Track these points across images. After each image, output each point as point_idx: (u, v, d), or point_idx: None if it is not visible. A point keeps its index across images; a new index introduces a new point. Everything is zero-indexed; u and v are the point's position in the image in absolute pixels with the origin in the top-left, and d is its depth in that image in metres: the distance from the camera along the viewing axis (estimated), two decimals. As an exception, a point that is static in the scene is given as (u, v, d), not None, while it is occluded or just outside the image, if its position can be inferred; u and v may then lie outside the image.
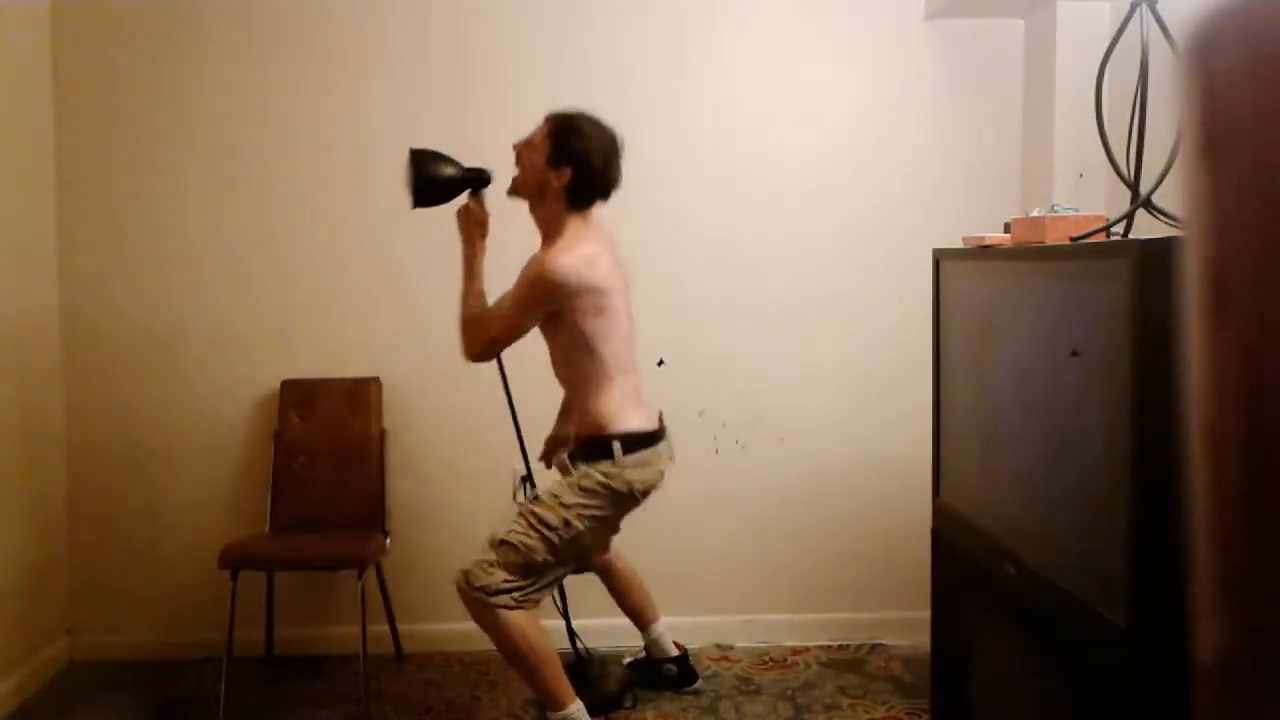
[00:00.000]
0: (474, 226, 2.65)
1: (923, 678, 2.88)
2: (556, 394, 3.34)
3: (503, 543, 2.51)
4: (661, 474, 2.64)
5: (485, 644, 3.34)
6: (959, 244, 2.41)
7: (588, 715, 2.61)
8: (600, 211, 2.63)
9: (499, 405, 3.37)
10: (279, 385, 3.28)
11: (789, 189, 3.33)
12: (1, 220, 2.99)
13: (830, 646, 3.36)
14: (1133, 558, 1.62)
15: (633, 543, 3.29)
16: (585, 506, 2.53)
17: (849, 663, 3.27)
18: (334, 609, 3.33)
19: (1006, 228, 2.26)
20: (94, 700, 3.05)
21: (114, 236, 3.28)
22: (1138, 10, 1.96)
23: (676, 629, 3.15)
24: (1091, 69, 2.13)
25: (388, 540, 3.17)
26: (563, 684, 2.59)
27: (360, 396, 3.27)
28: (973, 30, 3.32)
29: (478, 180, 2.67)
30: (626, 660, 3.15)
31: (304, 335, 3.31)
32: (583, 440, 2.62)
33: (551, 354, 2.68)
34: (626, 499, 2.57)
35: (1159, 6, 1.95)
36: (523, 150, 2.60)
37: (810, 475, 3.33)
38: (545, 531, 2.51)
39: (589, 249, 2.54)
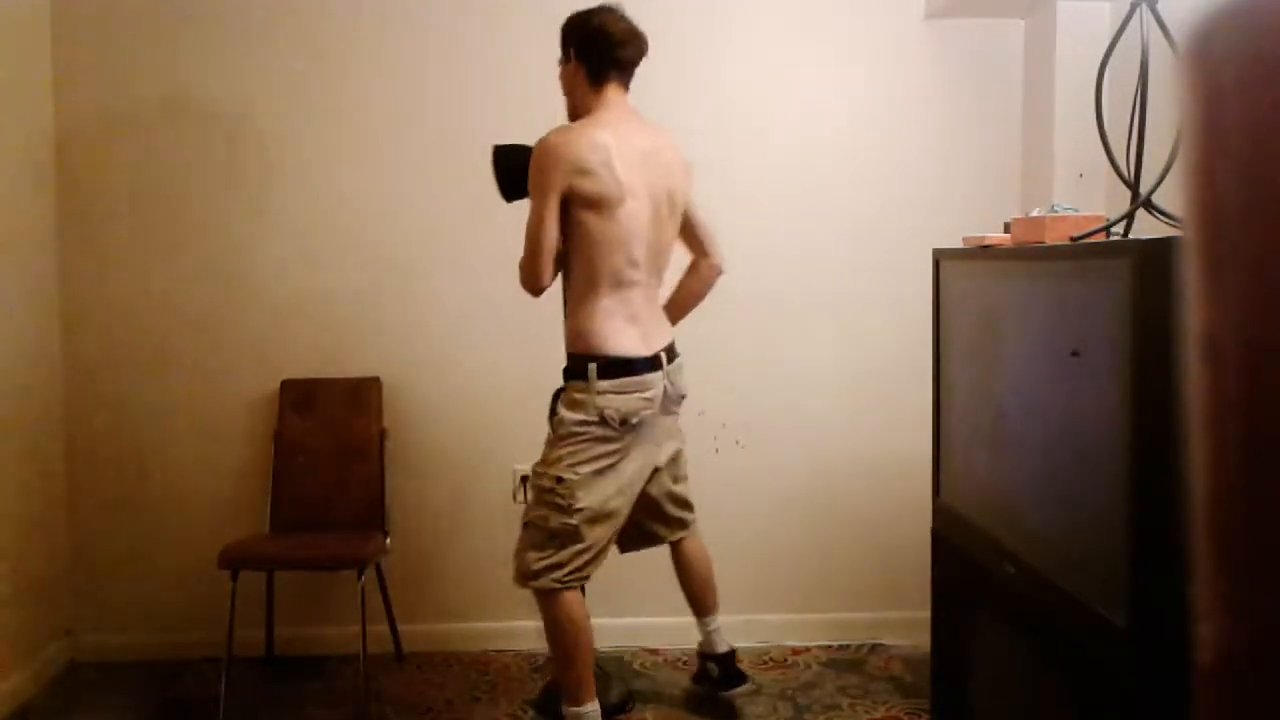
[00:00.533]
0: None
1: (923, 678, 2.88)
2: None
3: (524, 526, 2.54)
4: (648, 402, 2.46)
5: (485, 644, 3.37)
6: (959, 244, 2.41)
7: (598, 712, 2.57)
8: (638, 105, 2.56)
9: (499, 405, 3.37)
10: (279, 385, 3.28)
11: (789, 189, 3.33)
12: (1, 220, 2.99)
13: (830, 646, 3.36)
14: (1133, 558, 1.62)
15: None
16: (570, 454, 2.45)
17: (849, 663, 3.27)
18: (334, 609, 3.33)
19: (1006, 228, 2.26)
20: (94, 700, 3.05)
21: (114, 236, 3.28)
22: (1138, 10, 1.96)
23: (677, 629, 3.16)
24: (1091, 69, 2.13)
25: (388, 540, 3.17)
26: (588, 681, 2.55)
27: (360, 396, 3.27)
28: (973, 30, 3.32)
29: None
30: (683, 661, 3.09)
31: (304, 335, 3.31)
32: (568, 358, 2.52)
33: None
34: (614, 431, 2.43)
35: (1159, 6, 1.95)
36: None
37: (810, 475, 3.33)
38: (545, 497, 2.47)
39: (600, 135, 2.41)
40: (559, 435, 2.47)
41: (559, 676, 2.63)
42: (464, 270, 3.33)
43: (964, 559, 2.35)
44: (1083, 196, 2.82)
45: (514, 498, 3.37)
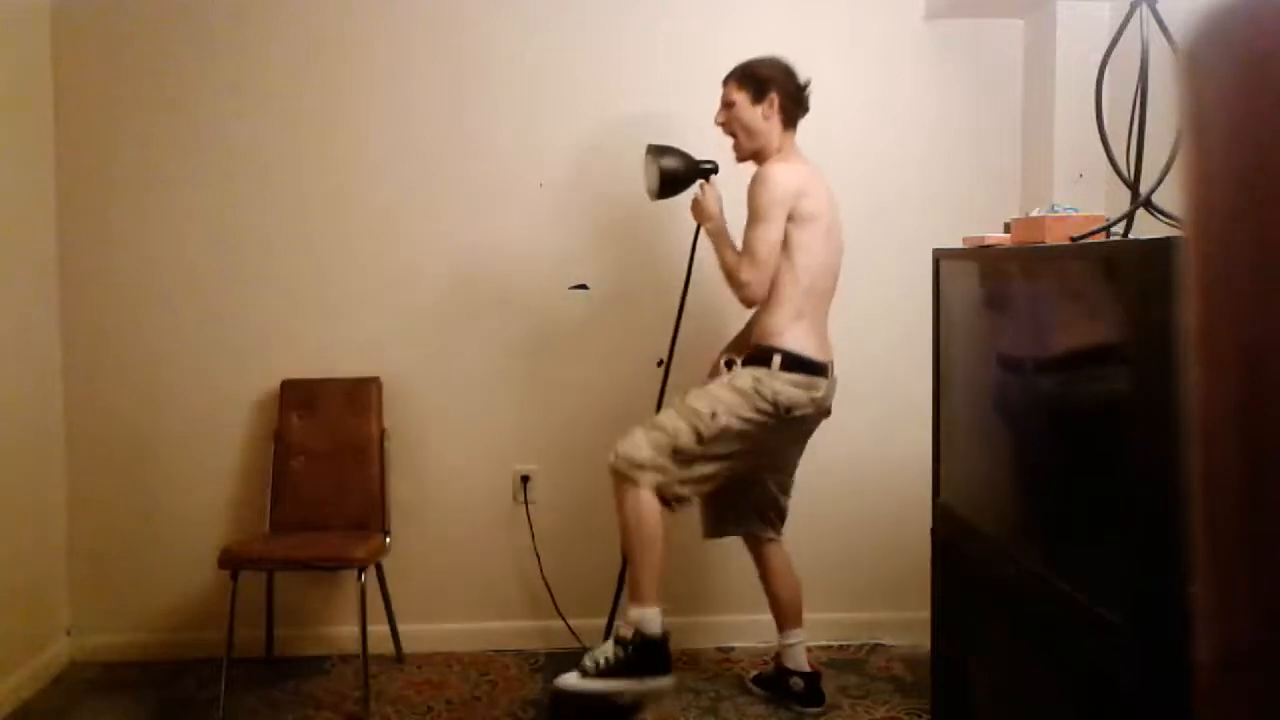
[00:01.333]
0: (708, 209, 2.86)
1: (923, 678, 2.88)
2: (566, 391, 3.35)
3: (653, 426, 2.69)
4: (813, 402, 2.73)
5: (485, 644, 3.37)
6: (959, 244, 2.41)
7: (660, 621, 2.70)
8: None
9: (499, 405, 3.37)
10: (279, 385, 3.28)
11: (789, 189, 3.32)
12: (2, 221, 2.99)
13: (830, 646, 3.36)
14: (1133, 558, 1.62)
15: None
16: (734, 404, 2.68)
17: (849, 663, 3.27)
18: (334, 609, 3.33)
19: (1006, 228, 2.26)
20: (94, 700, 3.05)
21: (114, 237, 3.27)
22: (1138, 10, 1.96)
23: (677, 629, 3.15)
24: (1091, 69, 2.13)
25: (388, 540, 3.17)
26: (654, 583, 2.70)
27: (360, 396, 3.27)
28: (973, 30, 3.32)
29: (710, 170, 2.90)
30: (752, 674, 3.12)
31: (304, 335, 3.31)
32: (752, 348, 2.77)
33: None
34: (773, 413, 2.69)
35: (1159, 6, 1.95)
36: (727, 116, 2.81)
37: (810, 475, 3.32)
38: (691, 417, 2.67)
39: (803, 168, 2.76)
40: (734, 385, 2.70)
41: (633, 578, 2.75)
42: (464, 270, 3.33)
43: (964, 559, 2.35)
44: (1083, 196, 2.82)
45: (514, 498, 3.37)
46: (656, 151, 2.88)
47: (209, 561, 2.98)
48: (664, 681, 2.74)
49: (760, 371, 2.71)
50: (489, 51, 3.29)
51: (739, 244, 2.77)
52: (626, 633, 2.69)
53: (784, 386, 2.70)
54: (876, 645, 3.38)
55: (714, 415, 2.67)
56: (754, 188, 2.72)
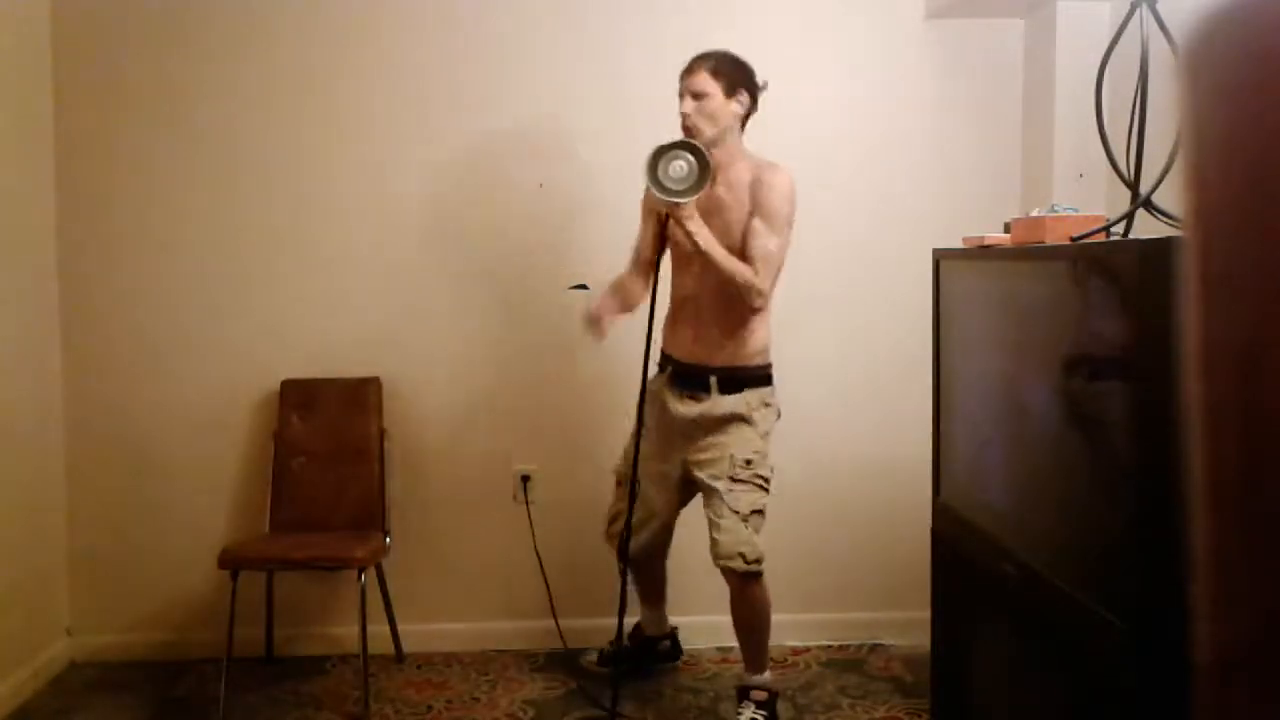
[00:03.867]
0: (696, 217, 2.63)
1: (923, 678, 2.88)
2: (566, 391, 3.35)
3: (753, 513, 2.69)
4: None
5: (485, 644, 3.37)
6: (959, 244, 2.41)
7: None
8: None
9: (499, 405, 3.37)
10: (279, 385, 3.28)
11: (789, 189, 3.32)
12: (1, 220, 2.99)
13: (830, 646, 3.36)
14: (1133, 558, 1.62)
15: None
16: (766, 445, 2.76)
17: (849, 663, 3.27)
18: (334, 609, 3.33)
19: (1006, 228, 2.26)
20: (94, 700, 3.05)
21: (114, 236, 3.27)
22: (1138, 10, 1.96)
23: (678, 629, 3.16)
24: (1091, 69, 2.13)
25: (388, 540, 3.17)
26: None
27: (360, 396, 3.26)
28: (973, 30, 3.32)
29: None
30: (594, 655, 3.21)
31: (304, 335, 3.31)
32: (742, 369, 2.75)
33: (706, 284, 2.75)
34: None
35: (1159, 6, 1.95)
36: (691, 109, 2.71)
37: (810, 475, 3.33)
38: (766, 485, 2.73)
39: None
40: (763, 432, 2.75)
41: (760, 650, 2.82)
42: (464, 270, 3.33)
43: (964, 559, 2.35)
44: (1083, 196, 2.81)
45: (514, 497, 3.37)
46: (684, 148, 2.60)
47: (209, 561, 2.98)
48: None
49: (768, 396, 2.78)
50: (491, 53, 3.29)
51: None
52: (761, 695, 2.80)
53: (775, 400, 2.82)
54: (876, 645, 3.38)
55: (772, 470, 2.75)
56: (773, 196, 2.67)
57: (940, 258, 2.49)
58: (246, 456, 3.32)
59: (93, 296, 3.28)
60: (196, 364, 3.30)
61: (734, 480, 2.68)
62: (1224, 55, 0.44)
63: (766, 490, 2.73)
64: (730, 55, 2.74)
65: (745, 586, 2.71)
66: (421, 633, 3.31)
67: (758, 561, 2.68)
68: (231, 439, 3.32)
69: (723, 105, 2.70)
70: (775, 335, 3.33)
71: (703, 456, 2.75)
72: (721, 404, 2.73)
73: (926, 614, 2.56)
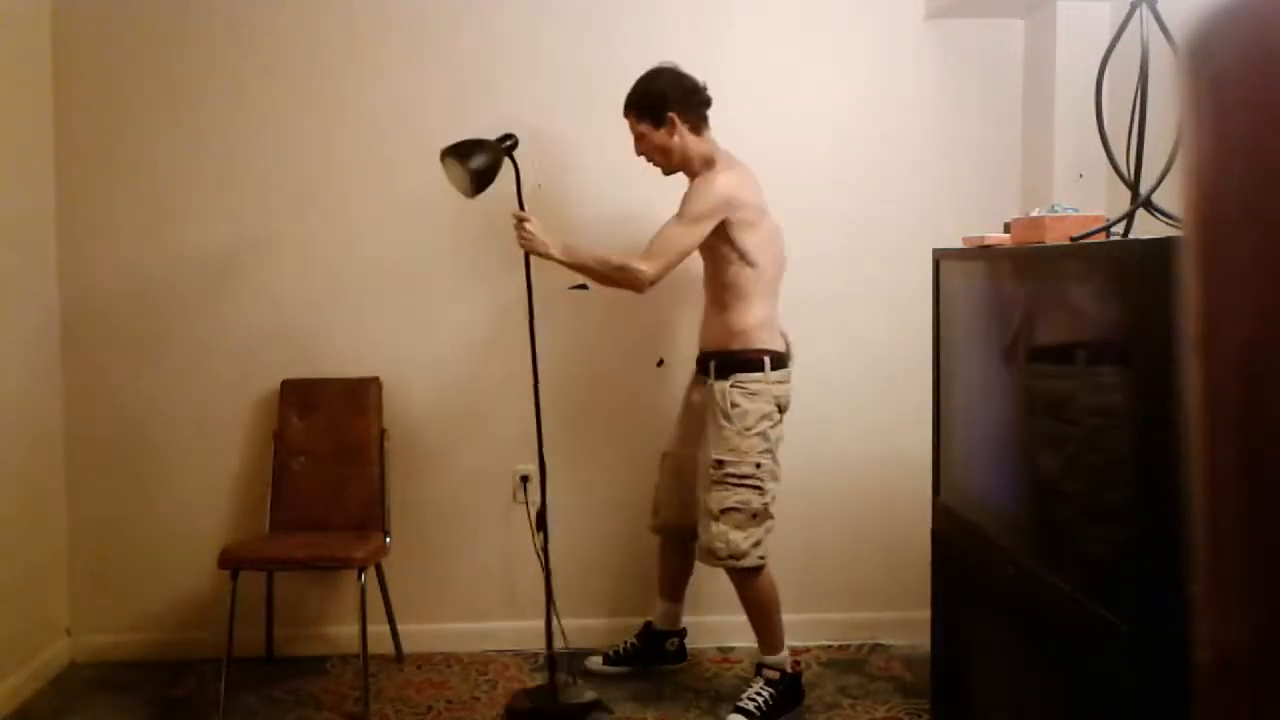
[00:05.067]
0: (540, 240, 2.78)
1: (923, 678, 2.88)
2: (566, 392, 3.35)
3: (721, 513, 2.74)
4: (789, 389, 2.86)
5: (485, 644, 3.37)
6: (959, 244, 2.41)
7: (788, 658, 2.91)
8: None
9: (499, 405, 3.37)
10: (279, 385, 3.28)
11: (789, 189, 3.32)
12: (1, 220, 2.99)
13: (830, 646, 3.36)
14: (1133, 558, 1.62)
15: (634, 544, 3.29)
16: (760, 440, 2.76)
17: (849, 663, 3.27)
18: (334, 609, 3.33)
19: (1006, 228, 2.26)
20: (94, 700, 3.05)
21: (114, 236, 3.27)
22: (1138, 10, 1.96)
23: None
24: (1091, 69, 2.13)
25: (388, 540, 3.17)
26: (781, 629, 2.89)
27: (360, 396, 3.26)
28: (973, 30, 3.32)
29: (512, 146, 2.79)
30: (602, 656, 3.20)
31: (304, 335, 3.31)
32: (727, 353, 2.80)
33: (706, 272, 2.88)
34: (778, 415, 2.81)
35: (1159, 6, 1.95)
36: (642, 149, 2.86)
37: (810, 475, 3.33)
38: (745, 482, 2.75)
39: (738, 173, 2.81)
40: (747, 426, 2.75)
41: (767, 632, 2.90)
42: (464, 270, 3.33)
43: (964, 559, 2.35)
44: (1083, 196, 2.81)
45: (514, 497, 3.37)
46: (455, 153, 2.70)
47: (209, 561, 2.98)
48: (801, 707, 2.93)
49: (753, 382, 2.77)
50: (490, 54, 3.29)
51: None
52: (773, 675, 2.87)
53: (780, 387, 2.81)
54: (876, 645, 3.38)
55: (758, 466, 2.76)
56: (690, 192, 2.78)
57: (940, 258, 2.49)
58: (246, 456, 3.32)
59: (92, 296, 3.28)
60: (196, 364, 3.30)
61: (710, 481, 2.77)
62: (1224, 55, 0.44)
63: (750, 486, 2.75)
64: (638, 90, 2.82)
65: (735, 578, 2.83)
66: (421, 633, 3.31)
67: (733, 557, 2.75)
68: (231, 439, 3.32)
69: (662, 138, 2.80)
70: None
71: (699, 453, 2.85)
72: (711, 391, 2.80)
73: (926, 614, 2.56)
